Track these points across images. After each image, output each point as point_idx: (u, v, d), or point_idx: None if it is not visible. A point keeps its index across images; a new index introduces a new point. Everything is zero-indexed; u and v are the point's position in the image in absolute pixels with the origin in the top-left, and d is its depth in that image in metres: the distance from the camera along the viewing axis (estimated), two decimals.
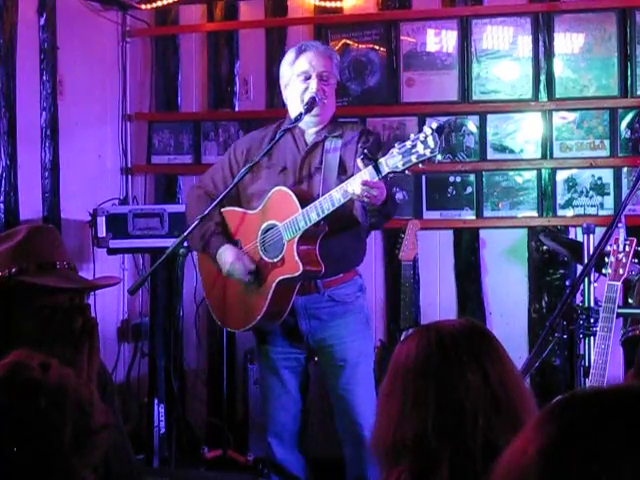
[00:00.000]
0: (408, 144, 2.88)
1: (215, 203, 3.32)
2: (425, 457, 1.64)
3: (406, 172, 2.97)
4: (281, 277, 3.24)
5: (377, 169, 2.93)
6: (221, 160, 3.64)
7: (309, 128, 3.41)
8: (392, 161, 2.91)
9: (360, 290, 3.44)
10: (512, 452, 1.10)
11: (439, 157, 4.65)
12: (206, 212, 3.31)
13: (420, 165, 2.91)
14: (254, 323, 3.34)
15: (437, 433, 1.64)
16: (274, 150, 3.41)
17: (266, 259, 3.29)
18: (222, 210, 3.46)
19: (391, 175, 2.97)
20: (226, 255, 3.36)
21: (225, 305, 3.49)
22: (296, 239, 3.18)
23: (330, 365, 3.39)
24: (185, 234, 3.34)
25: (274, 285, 3.25)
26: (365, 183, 2.94)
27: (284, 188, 3.27)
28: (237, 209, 3.45)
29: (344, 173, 3.26)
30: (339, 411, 3.42)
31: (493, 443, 1.63)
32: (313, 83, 3.33)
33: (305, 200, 3.19)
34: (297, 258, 3.18)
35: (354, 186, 2.98)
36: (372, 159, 2.94)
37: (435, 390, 1.67)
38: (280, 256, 3.24)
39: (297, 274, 3.19)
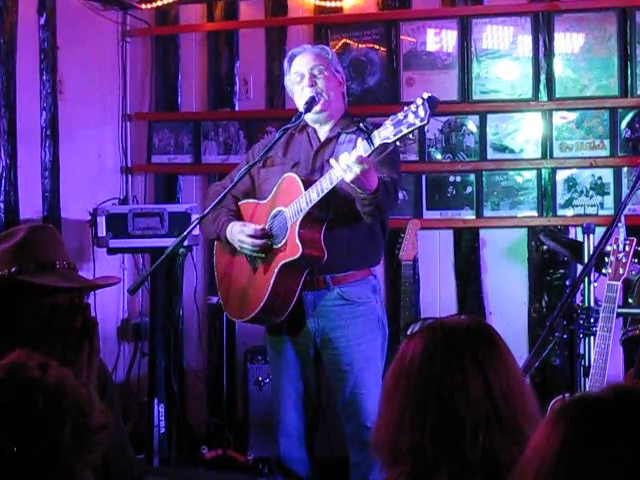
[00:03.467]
0: (400, 115, 2.91)
1: (214, 203, 3.33)
2: (422, 465, 1.61)
3: (397, 143, 3.00)
4: (283, 261, 3.23)
5: (371, 141, 2.95)
6: (243, 159, 3.68)
7: (321, 126, 3.43)
8: (384, 132, 2.93)
9: (373, 291, 3.39)
10: (529, 452, 1.11)
11: (439, 156, 4.70)
12: (205, 212, 3.34)
13: (410, 135, 2.93)
14: (255, 313, 3.33)
15: (434, 445, 1.60)
16: (288, 149, 3.45)
17: (272, 245, 3.30)
18: (240, 203, 3.49)
19: (386, 144, 2.98)
20: (234, 229, 3.38)
21: (232, 294, 3.50)
22: (298, 221, 3.19)
23: (336, 368, 3.37)
24: (185, 233, 3.35)
25: (276, 271, 3.25)
26: (354, 157, 2.94)
27: (292, 174, 3.29)
28: (251, 200, 3.47)
29: None
30: (346, 415, 3.39)
31: (494, 457, 1.59)
32: (306, 79, 3.36)
33: (311, 184, 3.20)
34: (298, 240, 3.17)
35: (354, 154, 2.98)
36: (365, 132, 2.95)
37: (435, 403, 1.63)
38: (284, 240, 3.25)
39: (297, 256, 3.18)
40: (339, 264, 3.30)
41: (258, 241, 3.31)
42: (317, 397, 3.53)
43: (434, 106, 2.88)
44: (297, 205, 3.20)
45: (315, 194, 3.15)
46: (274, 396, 3.57)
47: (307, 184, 3.21)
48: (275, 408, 3.54)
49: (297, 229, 3.19)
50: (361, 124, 3.05)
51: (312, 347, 3.41)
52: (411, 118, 2.88)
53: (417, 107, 2.88)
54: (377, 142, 2.94)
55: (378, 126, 3.02)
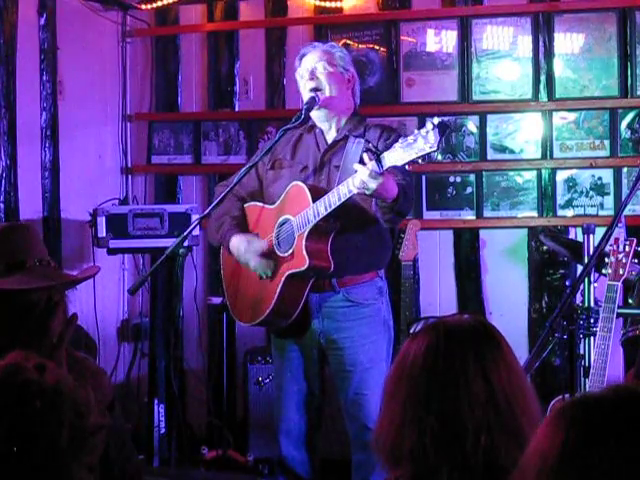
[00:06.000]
0: (410, 139, 2.88)
1: (214, 204, 3.33)
2: (423, 467, 1.61)
3: (406, 167, 2.97)
4: (289, 272, 3.24)
5: (380, 163, 2.93)
6: (243, 160, 3.68)
7: (328, 126, 3.41)
8: (393, 155, 2.91)
9: (380, 293, 3.39)
10: (530, 452, 1.11)
11: (439, 157, 4.70)
12: (205, 213, 3.35)
13: (420, 161, 2.91)
14: (263, 318, 3.34)
15: (436, 446, 1.60)
16: (296, 151, 3.44)
17: (279, 253, 3.30)
18: (245, 205, 3.48)
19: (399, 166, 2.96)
20: (239, 244, 3.37)
21: (239, 298, 3.50)
22: (305, 233, 3.19)
23: (340, 369, 3.37)
24: (185, 233, 3.35)
25: (283, 280, 3.26)
26: (365, 174, 2.93)
27: (300, 183, 3.28)
28: (258, 204, 3.47)
29: None
30: (349, 415, 3.39)
31: (495, 459, 1.58)
32: (307, 75, 3.36)
33: (319, 195, 3.19)
34: (304, 252, 3.18)
35: (356, 179, 2.99)
36: (375, 153, 2.95)
37: (437, 403, 1.62)
38: (290, 250, 3.25)
39: (303, 268, 3.19)
40: (346, 268, 3.30)
41: (263, 261, 3.31)
42: (320, 397, 3.53)
43: (444, 132, 2.85)
44: (305, 217, 3.19)
45: (323, 208, 3.14)
46: (276, 395, 3.57)
47: (315, 193, 3.20)
48: (277, 407, 3.55)
49: (304, 241, 3.19)
50: (370, 145, 3.03)
51: (316, 347, 3.41)
52: (421, 143, 2.85)
53: (427, 132, 2.84)
54: (386, 164, 2.92)
55: (387, 146, 2.99)
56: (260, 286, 3.37)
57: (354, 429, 3.37)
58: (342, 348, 3.34)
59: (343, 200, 3.09)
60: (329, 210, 3.13)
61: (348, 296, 3.33)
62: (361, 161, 3.02)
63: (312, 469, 3.54)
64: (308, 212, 3.18)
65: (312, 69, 3.36)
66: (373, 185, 2.94)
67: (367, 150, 3.01)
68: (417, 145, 2.86)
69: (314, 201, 3.17)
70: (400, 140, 2.91)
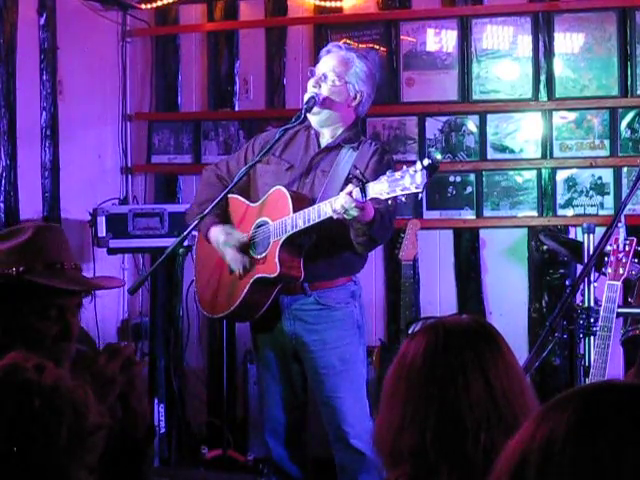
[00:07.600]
0: (397, 175, 2.87)
1: (212, 206, 3.32)
2: (423, 467, 1.61)
3: (389, 202, 2.95)
4: (258, 275, 3.27)
5: (364, 192, 2.91)
6: (242, 147, 3.68)
7: (323, 130, 3.40)
8: (378, 187, 2.90)
9: (352, 297, 3.38)
10: (517, 439, 1.11)
11: (439, 157, 4.70)
12: (205, 212, 3.33)
13: (403, 199, 2.89)
14: (227, 313, 3.40)
15: (436, 448, 1.60)
16: (286, 148, 3.44)
17: (252, 254, 3.32)
18: (229, 196, 3.46)
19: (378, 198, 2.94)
20: (218, 235, 3.38)
21: (207, 288, 3.53)
22: (280, 241, 3.19)
23: (313, 372, 3.38)
24: (185, 233, 3.35)
25: (251, 281, 3.28)
26: (347, 202, 2.92)
27: (283, 189, 3.27)
28: (241, 199, 3.46)
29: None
30: (325, 418, 3.41)
31: (495, 458, 1.58)
32: (314, 79, 3.35)
33: (300, 205, 3.19)
34: (277, 260, 3.19)
35: (337, 202, 2.97)
36: (361, 181, 2.94)
37: (436, 403, 1.62)
38: (264, 254, 3.27)
39: (273, 276, 3.21)
40: (319, 275, 3.30)
41: (239, 256, 3.32)
42: (303, 395, 3.54)
43: (432, 173, 2.83)
44: (282, 225, 3.19)
45: (302, 222, 3.14)
46: (260, 396, 3.61)
47: (296, 203, 3.19)
48: (262, 408, 3.58)
49: (278, 249, 3.20)
50: (357, 172, 3.00)
51: (290, 349, 3.42)
52: (407, 182, 2.84)
53: (415, 172, 2.83)
54: (370, 195, 2.91)
55: (374, 179, 2.96)
56: (229, 281, 3.39)
57: (330, 431, 3.40)
58: (314, 351, 3.35)
59: (322, 219, 3.08)
60: (307, 225, 3.13)
61: (319, 299, 3.33)
62: (347, 182, 3.02)
63: (301, 466, 3.56)
64: (286, 221, 3.18)
65: (320, 76, 3.34)
66: (354, 213, 2.94)
67: (354, 177, 2.99)
68: (403, 182, 2.85)
69: (294, 211, 3.17)
70: (387, 173, 2.90)
